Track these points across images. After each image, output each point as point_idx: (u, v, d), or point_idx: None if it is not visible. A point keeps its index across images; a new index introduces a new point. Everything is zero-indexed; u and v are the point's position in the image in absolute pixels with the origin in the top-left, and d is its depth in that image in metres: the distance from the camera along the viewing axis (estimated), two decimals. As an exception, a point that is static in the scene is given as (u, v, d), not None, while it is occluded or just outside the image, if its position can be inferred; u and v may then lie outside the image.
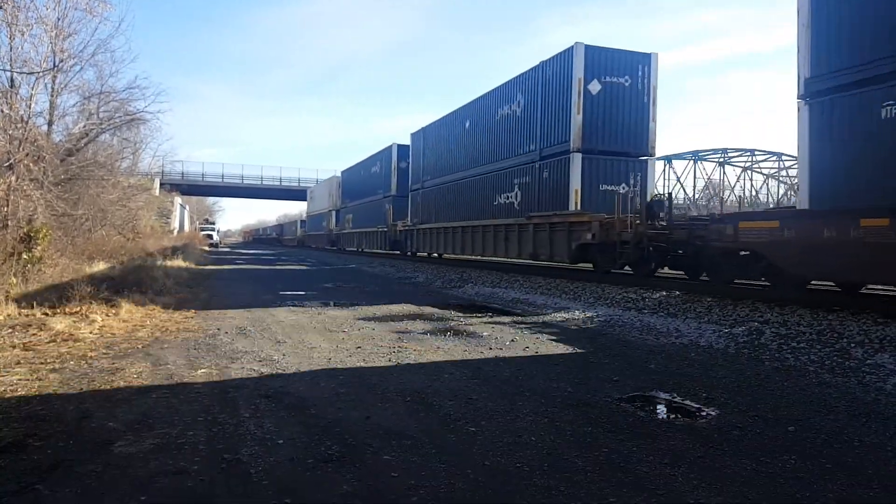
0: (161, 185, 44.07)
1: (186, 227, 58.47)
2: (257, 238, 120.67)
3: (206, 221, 74.16)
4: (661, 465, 3.33)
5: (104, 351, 6.20)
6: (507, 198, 18.48)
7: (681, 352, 6.84)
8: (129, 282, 11.71)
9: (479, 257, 21.70)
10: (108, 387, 4.80)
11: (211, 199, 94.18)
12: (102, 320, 7.85)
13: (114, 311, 8.47)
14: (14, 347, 6.13)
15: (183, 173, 58.15)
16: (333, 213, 44.97)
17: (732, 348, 6.93)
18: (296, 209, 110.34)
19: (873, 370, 5.63)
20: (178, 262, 19.39)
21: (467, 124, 22.03)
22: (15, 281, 9.73)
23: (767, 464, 3.38)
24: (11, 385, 4.72)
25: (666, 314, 9.05)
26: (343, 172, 42.93)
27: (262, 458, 3.33)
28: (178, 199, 49.77)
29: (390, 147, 31.54)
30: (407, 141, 29.65)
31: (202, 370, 5.47)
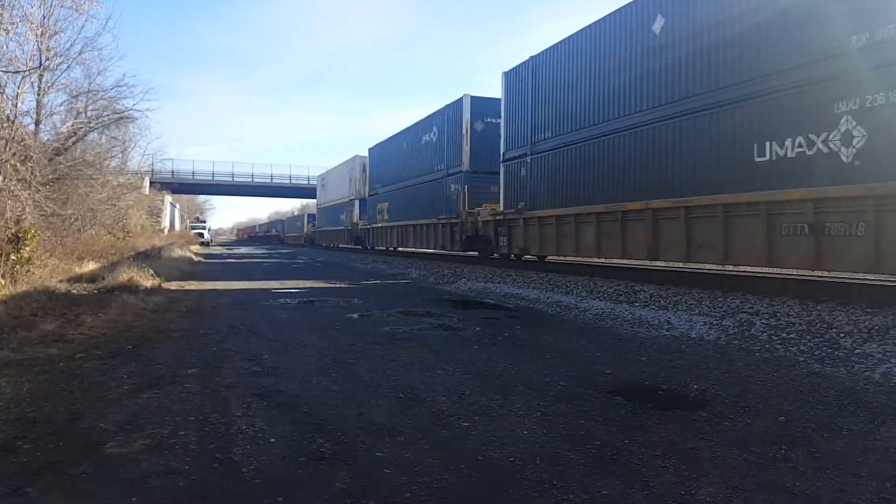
0: (151, 183, 43.82)
1: (177, 226, 58.16)
2: (253, 236, 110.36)
3: (197, 220, 73.75)
4: (653, 458, 3.35)
5: (94, 351, 6.16)
6: (812, 145, 8.58)
7: (672, 344, 6.88)
8: (119, 282, 11.63)
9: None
10: (99, 388, 4.77)
11: (202, 198, 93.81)
12: (92, 321, 7.80)
13: (103, 312, 8.42)
14: (2, 349, 6.08)
15: (173, 171, 57.87)
16: (356, 202, 36.45)
17: (723, 340, 6.97)
18: (287, 206, 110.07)
19: (862, 359, 5.69)
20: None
21: (658, 25, 11.61)
22: (3, 282, 9.66)
23: (758, 454, 3.41)
24: (0, 388, 4.68)
25: (657, 307, 9.09)
26: (372, 150, 33.10)
27: (255, 457, 3.33)
28: (168, 198, 49.52)
29: (458, 102, 20.96)
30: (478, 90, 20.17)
31: (193, 369, 5.45)
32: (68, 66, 16.55)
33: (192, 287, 13.82)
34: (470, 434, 3.75)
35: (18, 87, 13.90)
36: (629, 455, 3.39)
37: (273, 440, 3.60)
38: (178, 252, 24.90)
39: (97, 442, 3.54)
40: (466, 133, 20.57)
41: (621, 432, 3.78)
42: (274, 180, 65.17)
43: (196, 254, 33.05)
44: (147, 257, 17.76)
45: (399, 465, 3.23)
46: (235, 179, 63.71)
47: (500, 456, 3.38)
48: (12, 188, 11.77)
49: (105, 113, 19.20)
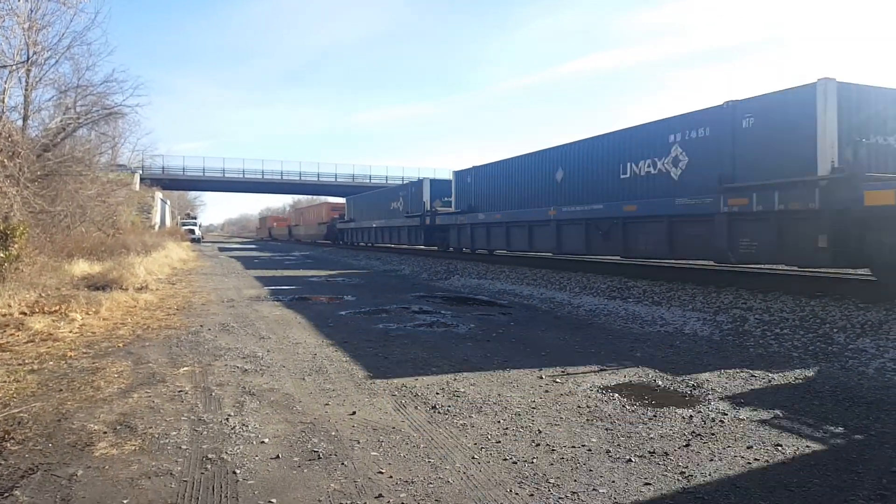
0: (141, 179, 43.43)
1: (168, 222, 57.70)
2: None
3: (188, 216, 73.24)
4: (650, 454, 3.32)
5: (84, 350, 6.08)
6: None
7: (666, 339, 6.87)
8: (109, 280, 11.51)
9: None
10: (89, 387, 4.70)
11: (192, 194, 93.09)
12: (82, 319, 7.71)
13: (94, 310, 8.32)
14: (-9, 348, 5.99)
15: (164, 168, 57.32)
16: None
17: (717, 335, 6.98)
18: (279, 202, 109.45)
19: (856, 355, 5.70)
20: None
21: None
22: (-9, 280, 9.51)
23: (759, 451, 3.40)
24: (-12, 387, 4.61)
25: (650, 303, 9.08)
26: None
27: (248, 457, 3.28)
28: (158, 194, 49.02)
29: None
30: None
31: (185, 368, 5.39)
32: (56, 61, 16.42)
33: (182, 285, 13.71)
34: (466, 432, 3.72)
35: (6, 82, 13.76)
36: (625, 452, 3.36)
37: (266, 440, 3.55)
38: (169, 249, 24.66)
39: (86, 443, 3.48)
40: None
41: (616, 427, 3.75)
42: (265, 176, 64.71)
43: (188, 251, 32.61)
44: (138, 254, 17.56)
45: (394, 465, 3.19)
46: (227, 175, 63.22)
47: (496, 454, 3.35)
48: (0, 185, 11.62)
49: (94, 108, 19.00)
